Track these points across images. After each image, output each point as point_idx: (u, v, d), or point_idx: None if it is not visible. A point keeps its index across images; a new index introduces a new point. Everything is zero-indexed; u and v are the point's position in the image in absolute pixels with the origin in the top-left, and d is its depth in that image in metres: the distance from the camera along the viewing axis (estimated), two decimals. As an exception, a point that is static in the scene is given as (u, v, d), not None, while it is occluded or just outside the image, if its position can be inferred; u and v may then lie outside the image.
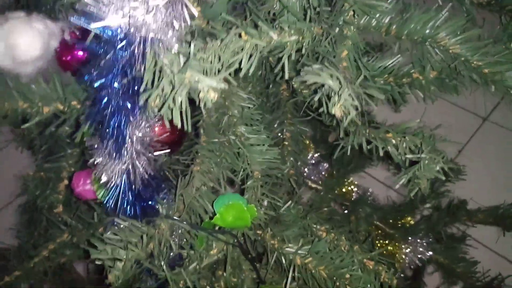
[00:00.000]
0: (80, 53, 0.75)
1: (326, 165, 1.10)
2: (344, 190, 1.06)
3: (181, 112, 0.43)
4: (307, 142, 1.10)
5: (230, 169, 0.73)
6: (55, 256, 0.74)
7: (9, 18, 0.52)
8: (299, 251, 0.60)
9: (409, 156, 0.61)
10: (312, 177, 1.08)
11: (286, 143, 0.97)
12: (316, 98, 0.52)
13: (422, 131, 0.63)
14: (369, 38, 0.73)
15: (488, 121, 1.67)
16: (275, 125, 0.98)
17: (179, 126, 0.43)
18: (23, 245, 0.82)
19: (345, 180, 1.07)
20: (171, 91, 0.41)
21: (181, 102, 0.41)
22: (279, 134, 0.98)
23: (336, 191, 1.05)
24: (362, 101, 0.51)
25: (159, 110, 0.41)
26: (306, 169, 1.07)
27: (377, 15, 0.66)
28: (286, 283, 0.59)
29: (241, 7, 0.58)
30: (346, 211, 1.04)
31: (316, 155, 1.13)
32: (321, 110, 0.52)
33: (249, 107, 0.78)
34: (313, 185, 1.04)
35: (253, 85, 0.86)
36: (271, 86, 0.93)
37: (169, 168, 0.72)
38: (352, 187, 1.07)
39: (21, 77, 0.53)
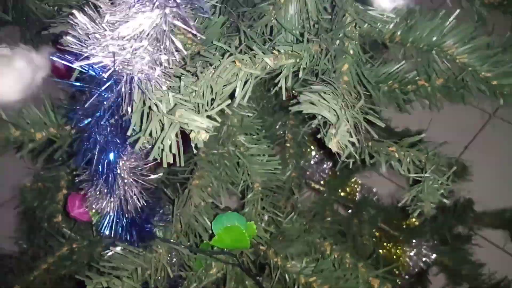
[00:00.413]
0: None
1: (329, 163, 1.08)
2: (347, 190, 1.05)
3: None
4: (309, 141, 1.08)
5: (230, 181, 0.72)
6: (55, 268, 0.74)
7: (-9, 57, 0.50)
8: (304, 270, 0.60)
9: (412, 175, 0.59)
10: (314, 178, 1.06)
11: (288, 145, 0.95)
12: (313, 125, 0.50)
13: (426, 147, 0.61)
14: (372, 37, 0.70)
15: (495, 117, 1.63)
16: (277, 127, 0.96)
17: (165, 166, 0.42)
18: (22, 256, 0.82)
19: (349, 180, 1.05)
20: (161, 132, 0.39)
21: (170, 144, 0.39)
22: (281, 136, 0.96)
23: (339, 192, 1.03)
24: (362, 130, 0.49)
25: (149, 153, 0.40)
26: (308, 170, 1.06)
27: (379, 24, 0.63)
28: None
29: (235, 26, 0.55)
30: (349, 212, 1.03)
31: (318, 154, 1.11)
32: (318, 135, 0.51)
33: (249, 116, 0.76)
34: (316, 186, 1.03)
35: (253, 90, 0.83)
36: (271, 89, 0.91)
37: (167, 180, 0.71)
38: (356, 186, 1.06)
39: (7, 109, 0.52)
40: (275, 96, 0.96)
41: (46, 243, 0.75)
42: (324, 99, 0.44)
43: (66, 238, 0.73)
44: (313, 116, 0.53)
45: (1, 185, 1.53)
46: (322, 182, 1.03)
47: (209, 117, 0.41)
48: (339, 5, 0.58)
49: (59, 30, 0.48)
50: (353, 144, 0.43)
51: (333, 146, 0.43)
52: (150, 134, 0.39)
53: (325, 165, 1.06)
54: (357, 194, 1.05)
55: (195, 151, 0.42)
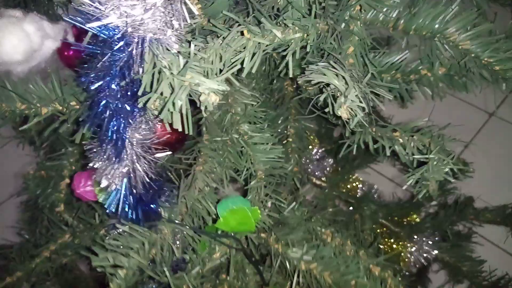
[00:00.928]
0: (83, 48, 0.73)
1: (330, 160, 1.09)
2: (349, 186, 1.05)
3: (181, 115, 0.41)
4: (312, 137, 1.09)
5: (233, 168, 0.72)
6: (57, 257, 0.73)
7: (1, 16, 0.50)
8: (304, 257, 0.59)
9: (417, 156, 0.59)
10: (316, 173, 1.06)
11: (290, 139, 0.95)
12: (321, 98, 0.50)
13: (431, 130, 0.61)
14: (375, 32, 0.71)
15: (494, 116, 1.64)
16: (279, 122, 0.96)
17: (180, 129, 0.42)
18: (24, 244, 0.81)
19: (350, 176, 1.05)
20: (171, 94, 0.39)
21: (181, 105, 0.39)
22: (283, 131, 0.96)
23: (340, 188, 1.03)
24: (369, 101, 0.49)
25: (159, 113, 0.40)
26: (310, 166, 1.06)
27: (384, 10, 0.64)
28: (290, 287, 0.58)
29: (243, 2, 0.56)
30: (351, 208, 1.02)
31: (320, 150, 1.11)
32: (327, 109, 0.51)
33: (252, 105, 0.76)
34: (317, 182, 1.03)
35: (257, 81, 0.84)
36: (275, 81, 0.91)
37: (171, 167, 0.71)
38: (357, 183, 1.06)
39: (12, 76, 0.52)
40: (278, 91, 0.96)
41: (48, 231, 0.74)
42: (334, 68, 0.45)
43: (68, 226, 0.72)
44: (320, 91, 0.54)
45: (4, 178, 1.52)
46: (323, 178, 1.03)
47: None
48: (344, -13, 0.58)
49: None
50: (362, 109, 0.43)
51: (342, 112, 0.43)
52: (161, 94, 0.39)
53: (326, 162, 1.07)
54: (358, 190, 1.05)
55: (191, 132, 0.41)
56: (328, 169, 1.07)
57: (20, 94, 0.54)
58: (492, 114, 1.68)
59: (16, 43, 0.51)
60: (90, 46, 0.41)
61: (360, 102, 0.43)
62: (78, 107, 0.55)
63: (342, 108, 0.43)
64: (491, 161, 1.41)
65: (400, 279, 0.59)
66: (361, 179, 1.07)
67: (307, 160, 1.04)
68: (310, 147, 1.04)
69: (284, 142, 0.91)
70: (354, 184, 1.05)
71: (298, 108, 0.96)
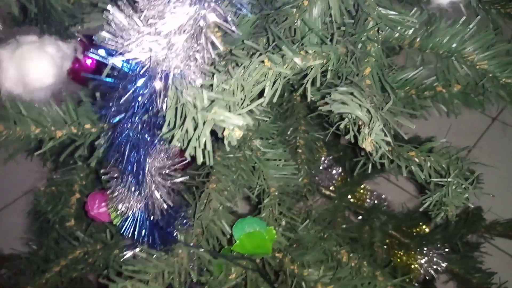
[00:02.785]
0: (88, 61, 0.72)
1: (339, 169, 1.08)
2: (357, 196, 1.04)
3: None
4: (319, 147, 1.08)
5: (246, 185, 0.71)
6: (67, 271, 0.73)
7: (20, 43, 0.50)
8: (322, 279, 0.59)
9: (434, 179, 0.59)
10: (324, 183, 1.06)
11: (300, 150, 0.95)
12: (342, 126, 0.50)
13: (449, 152, 0.61)
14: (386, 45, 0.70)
15: (497, 121, 1.63)
16: (289, 133, 0.95)
17: (201, 162, 0.41)
18: (33, 256, 0.81)
19: (359, 186, 1.05)
20: (195, 129, 0.39)
21: (205, 141, 0.39)
22: (293, 142, 0.95)
23: (350, 198, 1.03)
24: (391, 129, 0.49)
25: (184, 151, 0.39)
26: (319, 175, 1.05)
27: (399, 28, 0.63)
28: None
29: (261, 26, 0.55)
30: (360, 218, 1.02)
31: (328, 158, 1.11)
32: (347, 137, 0.50)
33: (265, 120, 0.76)
34: (326, 192, 1.02)
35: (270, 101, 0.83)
36: (285, 93, 0.91)
37: (184, 184, 0.70)
38: (366, 193, 1.05)
39: (34, 103, 0.51)
40: (287, 101, 0.96)
41: (57, 245, 0.74)
42: (357, 98, 0.44)
43: (80, 241, 0.71)
44: (339, 118, 0.53)
45: (10, 186, 1.51)
46: (332, 188, 1.02)
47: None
48: (362, 8, 0.58)
49: (92, 26, 0.48)
50: (387, 143, 0.42)
51: (367, 145, 0.43)
52: (186, 131, 0.38)
53: (334, 171, 1.06)
54: (367, 200, 1.04)
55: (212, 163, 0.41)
56: (336, 178, 1.07)
57: (34, 117, 0.53)
58: (495, 118, 1.67)
59: (45, 67, 0.51)
60: (111, 80, 0.41)
61: (385, 135, 0.42)
62: (93, 130, 0.54)
63: (367, 142, 0.42)
64: (494, 165, 1.40)
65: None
66: (369, 189, 1.06)
67: (316, 171, 1.04)
68: (319, 157, 1.03)
69: (292, 156, 0.90)
70: (363, 194, 1.05)
71: (307, 119, 0.95)
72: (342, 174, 1.09)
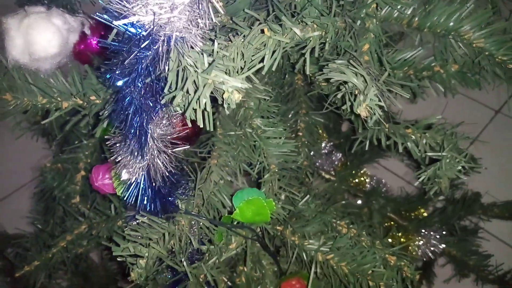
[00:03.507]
0: (94, 42, 0.74)
1: (339, 154, 1.10)
2: (357, 180, 1.06)
3: (203, 112, 0.42)
4: (320, 131, 1.10)
5: (246, 162, 0.73)
6: (73, 247, 0.75)
7: (28, 14, 0.51)
8: (321, 248, 0.60)
9: (429, 154, 0.60)
10: (325, 167, 1.07)
11: (300, 133, 0.96)
12: (339, 96, 0.51)
13: (443, 128, 0.62)
14: (388, 28, 0.71)
15: (500, 113, 1.64)
16: (290, 116, 0.97)
17: (202, 126, 0.43)
18: (39, 234, 0.83)
19: (359, 171, 1.06)
20: (195, 92, 0.40)
21: (205, 103, 0.40)
22: (294, 125, 0.97)
23: (349, 182, 1.04)
24: (386, 99, 0.50)
25: (184, 112, 0.41)
26: (319, 160, 1.07)
27: (399, 7, 0.64)
28: (309, 278, 0.59)
29: (263, 0, 0.57)
30: (359, 202, 1.04)
31: (329, 144, 1.12)
32: (344, 107, 0.52)
33: (265, 99, 0.77)
34: (327, 176, 1.04)
35: (270, 76, 0.85)
36: (286, 76, 0.92)
37: (186, 161, 0.72)
38: (366, 177, 1.07)
39: (39, 72, 0.53)
40: (289, 85, 0.97)
41: (63, 222, 0.76)
42: (353, 66, 0.46)
43: (85, 217, 0.73)
44: (336, 90, 0.54)
45: (18, 169, 1.54)
46: (332, 172, 1.04)
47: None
48: (361, -15, 0.59)
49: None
50: (381, 107, 0.44)
51: (362, 111, 0.44)
52: (187, 91, 0.40)
53: (334, 156, 1.08)
54: (367, 185, 1.06)
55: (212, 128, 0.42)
56: (336, 163, 1.08)
57: (41, 88, 0.55)
58: (498, 111, 1.68)
59: (50, 37, 0.52)
60: (116, 43, 0.42)
61: (379, 100, 0.44)
62: (98, 101, 0.56)
63: (362, 107, 0.44)
64: (497, 156, 1.42)
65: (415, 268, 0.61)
66: (369, 173, 1.08)
67: (316, 154, 1.05)
68: (319, 141, 1.04)
69: (294, 136, 0.91)
70: (362, 179, 1.06)
71: (308, 103, 0.97)
72: (342, 159, 1.10)
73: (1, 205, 1.58)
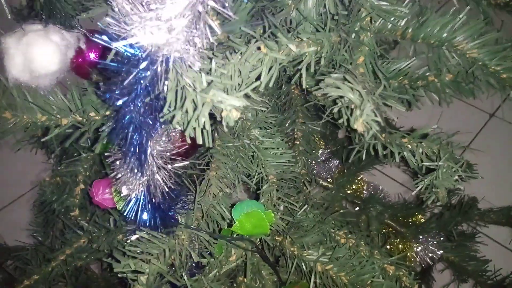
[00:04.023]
0: (92, 55, 0.75)
1: (336, 162, 1.10)
2: (354, 187, 1.06)
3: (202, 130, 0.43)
4: (317, 139, 1.10)
5: (245, 173, 0.73)
6: (72, 260, 0.75)
7: (26, 32, 0.52)
8: (320, 258, 0.61)
9: (426, 163, 0.61)
10: (322, 175, 1.08)
11: (298, 142, 0.97)
12: (335, 110, 0.52)
13: (439, 137, 0.63)
14: (382, 38, 0.72)
15: (495, 117, 1.66)
16: (287, 125, 0.98)
17: (201, 143, 0.43)
18: (39, 247, 0.83)
19: (356, 177, 1.07)
20: (194, 110, 0.41)
21: (204, 122, 0.41)
22: (291, 134, 0.98)
23: (347, 189, 1.05)
24: (382, 112, 0.51)
25: (184, 131, 0.41)
26: (316, 167, 1.07)
27: (392, 19, 0.65)
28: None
29: (258, 15, 0.57)
30: (357, 209, 1.04)
31: (326, 152, 1.13)
32: (340, 120, 0.52)
33: (263, 110, 0.78)
34: (324, 183, 1.04)
35: (267, 87, 0.85)
36: (283, 86, 0.93)
37: (185, 173, 0.72)
38: (363, 184, 1.07)
39: (39, 90, 0.53)
40: (286, 94, 0.98)
41: (63, 235, 0.76)
42: (349, 82, 0.46)
43: (84, 230, 0.74)
44: (333, 103, 0.55)
45: (15, 182, 1.54)
46: (329, 180, 1.04)
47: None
48: (355, -1, 0.60)
49: (96, 13, 0.50)
50: (378, 123, 0.44)
51: (358, 126, 0.45)
52: (186, 111, 0.40)
53: (331, 163, 1.08)
54: (364, 191, 1.07)
55: (211, 145, 0.43)
56: (333, 170, 1.09)
57: (40, 105, 0.55)
58: (493, 115, 1.70)
59: (50, 54, 0.53)
60: (115, 64, 0.43)
61: (376, 116, 0.44)
62: (97, 118, 0.56)
63: (358, 122, 0.44)
64: (492, 161, 1.43)
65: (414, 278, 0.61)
66: (366, 180, 1.09)
67: (313, 162, 1.06)
68: (316, 149, 1.05)
69: (290, 147, 0.92)
70: (360, 186, 1.07)
71: (305, 111, 0.97)
72: (339, 166, 1.11)
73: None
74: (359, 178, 1.08)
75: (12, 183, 1.58)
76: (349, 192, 1.05)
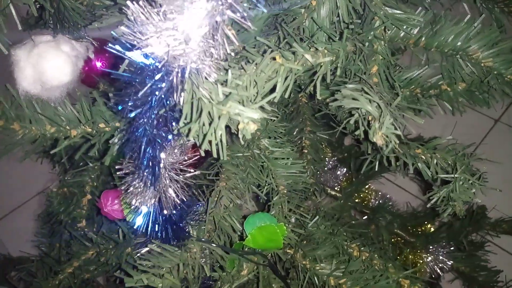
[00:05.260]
0: (99, 64, 0.74)
1: (344, 169, 1.09)
2: (363, 196, 1.05)
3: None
4: (324, 146, 1.09)
5: (255, 184, 0.72)
6: (80, 272, 0.74)
7: (37, 43, 0.51)
8: (334, 272, 0.60)
9: (442, 176, 0.60)
10: (330, 183, 1.07)
11: (306, 151, 0.96)
12: (351, 122, 0.51)
13: (455, 148, 0.62)
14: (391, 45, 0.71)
15: (500, 123, 1.64)
16: (294, 133, 0.97)
17: (216, 157, 0.42)
18: (45, 259, 0.81)
19: (364, 186, 1.06)
20: (210, 123, 0.40)
21: (221, 135, 0.40)
22: (299, 142, 0.96)
23: (355, 198, 1.04)
24: (400, 124, 0.50)
25: (200, 145, 0.40)
26: (324, 176, 1.06)
27: (405, 27, 0.64)
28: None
29: (272, 24, 0.56)
30: (365, 218, 1.03)
31: (333, 159, 1.12)
32: (357, 132, 0.51)
33: (272, 120, 0.77)
34: (332, 192, 1.03)
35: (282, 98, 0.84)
36: (291, 95, 0.92)
37: (194, 184, 0.71)
38: (371, 193, 1.06)
39: (50, 101, 0.52)
40: (293, 102, 0.97)
41: (69, 246, 0.74)
42: (367, 93, 0.45)
43: (92, 242, 0.72)
44: (348, 115, 0.54)
45: (19, 189, 1.53)
46: (337, 188, 1.03)
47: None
48: (369, 7, 0.59)
49: (111, 22, 0.49)
50: (398, 137, 0.43)
51: (378, 139, 0.43)
52: (203, 124, 0.39)
53: (339, 171, 1.07)
54: (372, 200, 1.05)
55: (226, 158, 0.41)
56: (341, 178, 1.08)
57: (49, 117, 0.54)
58: (498, 120, 1.68)
59: (62, 65, 0.52)
60: (128, 74, 0.42)
61: (395, 128, 0.43)
62: (107, 129, 0.55)
63: (377, 135, 0.43)
64: (499, 167, 1.41)
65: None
66: (374, 189, 1.07)
67: (321, 170, 1.05)
68: (324, 157, 1.04)
69: (299, 156, 0.91)
70: (368, 194, 1.06)
71: (312, 120, 0.96)
72: (347, 174, 1.10)
73: (2, 223, 1.56)
74: (367, 187, 1.06)
75: (15, 191, 1.57)
76: (357, 201, 1.04)
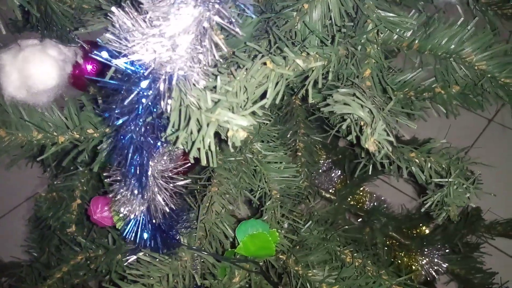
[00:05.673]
0: (89, 67, 0.73)
1: (338, 172, 1.08)
2: (357, 198, 1.05)
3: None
4: (318, 148, 1.08)
5: (247, 189, 0.71)
6: (69, 278, 0.73)
7: (23, 47, 0.50)
8: (326, 279, 0.59)
9: (436, 180, 0.59)
10: (324, 186, 1.06)
11: (300, 154, 0.95)
12: (343, 127, 0.50)
13: (449, 152, 0.61)
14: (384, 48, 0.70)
15: (493, 122, 1.64)
16: (288, 136, 0.96)
17: (205, 164, 0.41)
18: (34, 264, 0.80)
19: (358, 189, 1.05)
20: (199, 131, 0.39)
21: (209, 143, 0.39)
22: (292, 145, 0.96)
23: (349, 201, 1.03)
24: (393, 129, 0.49)
25: (189, 152, 0.39)
26: (318, 178, 1.05)
27: (398, 30, 0.64)
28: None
29: (263, 28, 0.55)
30: (360, 220, 1.02)
31: (327, 161, 1.11)
32: (349, 137, 0.50)
33: (265, 123, 0.76)
34: (327, 195, 1.02)
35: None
36: (285, 97, 0.91)
37: (185, 189, 0.70)
38: (365, 195, 1.06)
39: (37, 107, 0.51)
40: (287, 105, 0.96)
41: (59, 251, 0.73)
42: (359, 99, 0.44)
43: (81, 247, 0.71)
44: (341, 120, 0.53)
45: (9, 193, 1.51)
46: (332, 191, 1.03)
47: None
48: (362, 11, 0.58)
49: (96, 28, 0.48)
50: (390, 143, 0.42)
51: (370, 145, 0.43)
52: (191, 132, 0.38)
53: (333, 173, 1.06)
54: (367, 202, 1.05)
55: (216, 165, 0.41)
56: (336, 180, 1.07)
57: (36, 123, 0.53)
58: (491, 120, 1.68)
59: (49, 69, 0.51)
60: (115, 82, 0.41)
61: (388, 135, 0.42)
62: (96, 135, 0.54)
63: (369, 141, 0.43)
64: (493, 168, 1.40)
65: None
66: (368, 191, 1.07)
67: (315, 173, 1.04)
68: (318, 160, 1.03)
69: (292, 159, 0.90)
70: (362, 196, 1.05)
71: (306, 122, 0.95)
72: (342, 177, 1.09)
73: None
74: (361, 189, 1.06)
75: (5, 195, 1.55)
76: (352, 203, 1.03)
